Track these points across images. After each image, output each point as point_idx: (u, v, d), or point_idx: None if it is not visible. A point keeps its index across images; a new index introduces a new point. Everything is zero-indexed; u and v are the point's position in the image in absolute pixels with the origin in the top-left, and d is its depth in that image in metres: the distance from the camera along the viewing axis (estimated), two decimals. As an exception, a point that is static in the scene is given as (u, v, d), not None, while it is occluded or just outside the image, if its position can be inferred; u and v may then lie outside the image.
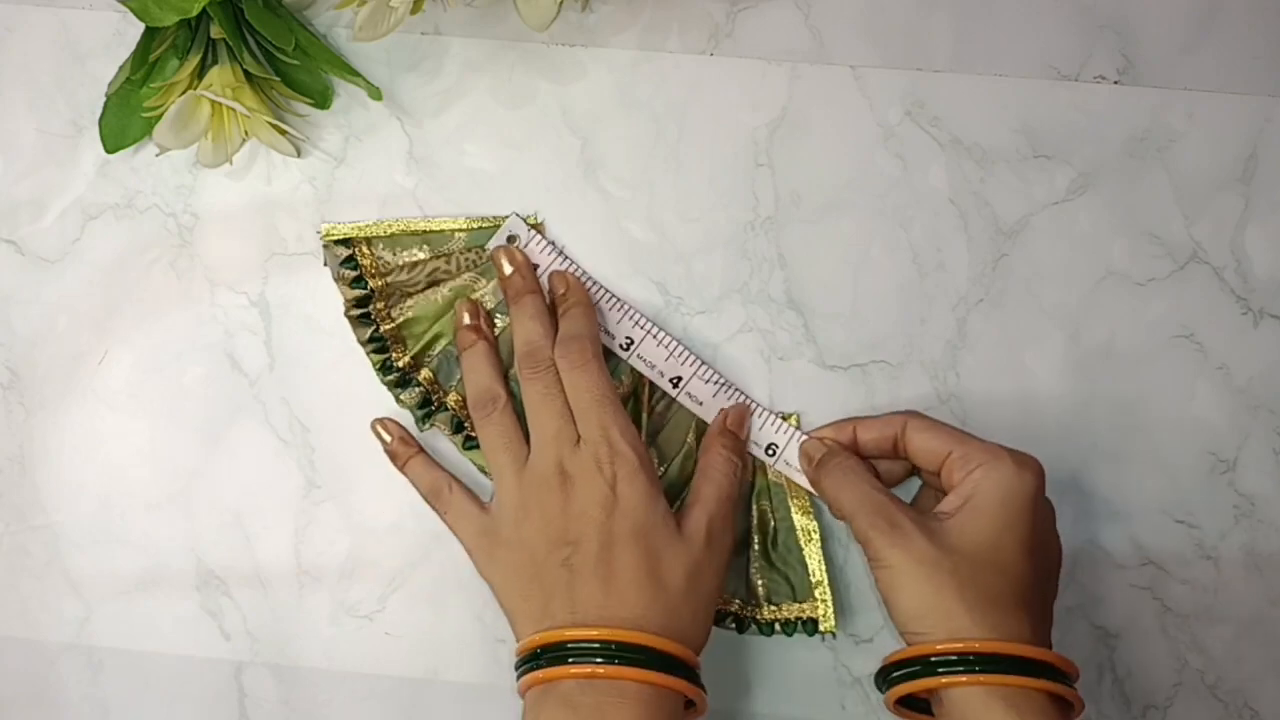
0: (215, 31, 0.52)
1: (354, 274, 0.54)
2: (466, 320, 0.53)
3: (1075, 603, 0.54)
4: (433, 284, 0.54)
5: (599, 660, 0.45)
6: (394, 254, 0.54)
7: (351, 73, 0.54)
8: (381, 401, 0.55)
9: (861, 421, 0.52)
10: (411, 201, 0.56)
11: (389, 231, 0.54)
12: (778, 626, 0.53)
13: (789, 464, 0.53)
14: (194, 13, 0.50)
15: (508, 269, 0.53)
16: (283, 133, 0.53)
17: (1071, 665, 0.46)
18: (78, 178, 0.56)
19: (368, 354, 0.55)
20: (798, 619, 0.53)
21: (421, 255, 0.54)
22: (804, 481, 0.52)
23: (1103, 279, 0.55)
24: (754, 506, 0.54)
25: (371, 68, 0.56)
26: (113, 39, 0.56)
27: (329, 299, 0.55)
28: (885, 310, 0.55)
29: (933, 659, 0.45)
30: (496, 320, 0.54)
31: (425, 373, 0.54)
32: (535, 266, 0.54)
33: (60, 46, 0.57)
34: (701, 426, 0.54)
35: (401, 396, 0.54)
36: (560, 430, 0.49)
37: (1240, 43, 0.55)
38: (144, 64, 0.53)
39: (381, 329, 0.54)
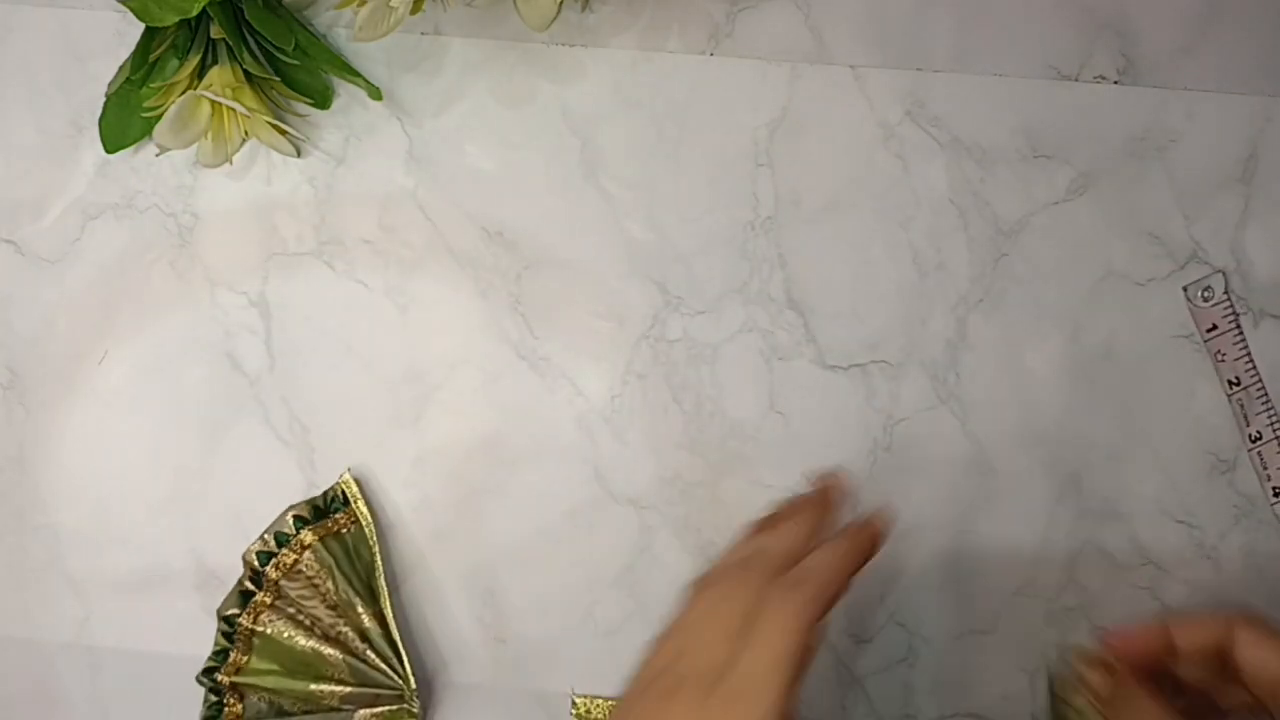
0: (215, 31, 0.52)
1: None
2: None
3: (1075, 603, 0.54)
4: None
5: None
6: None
7: (351, 73, 0.54)
8: (380, 402, 0.55)
9: (1177, 624, 0.41)
10: (411, 201, 0.56)
11: None
12: None
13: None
14: (194, 13, 0.50)
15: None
16: (283, 133, 0.53)
17: None
18: (78, 178, 0.56)
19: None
20: None
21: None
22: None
23: (1103, 279, 0.55)
24: None
25: (371, 68, 0.56)
26: (113, 39, 0.56)
27: (329, 299, 0.55)
28: (885, 310, 0.55)
29: None
30: None
31: None
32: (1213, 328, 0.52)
33: (60, 46, 0.57)
34: None
35: None
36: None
37: (1240, 43, 0.55)
38: (144, 64, 0.53)
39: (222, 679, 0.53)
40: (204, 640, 0.54)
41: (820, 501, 0.44)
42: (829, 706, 0.54)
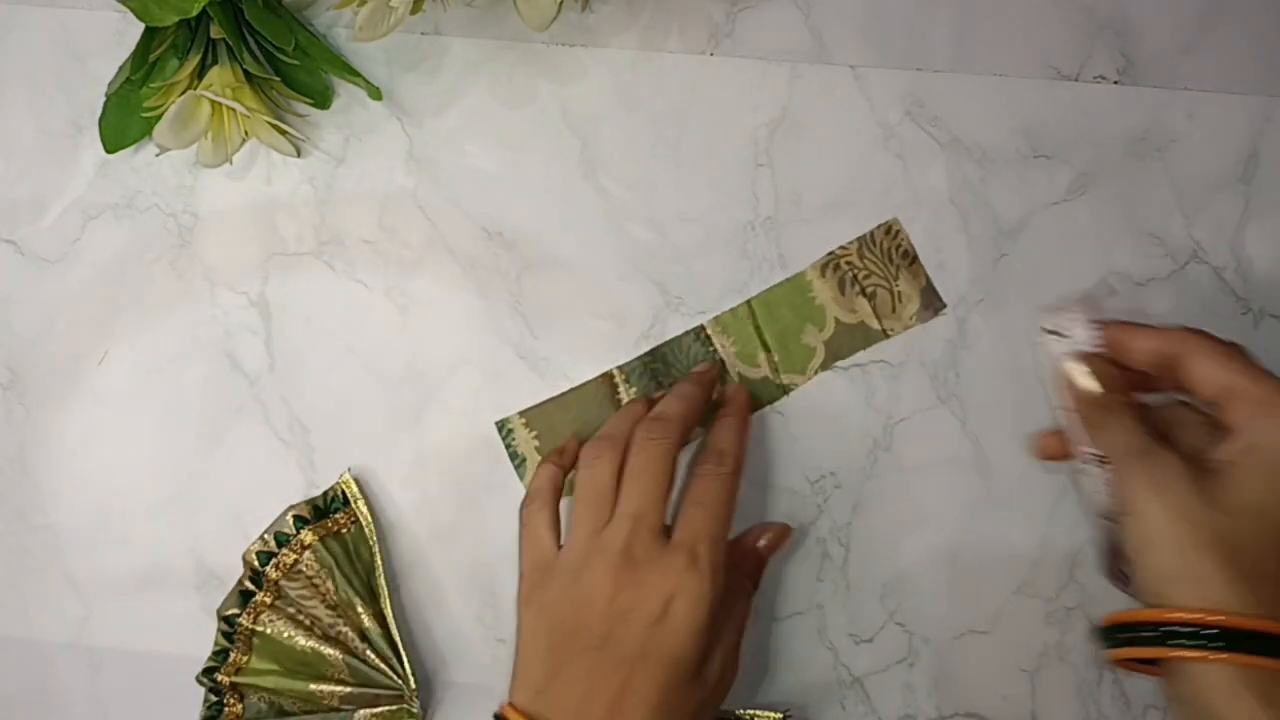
0: (215, 31, 0.52)
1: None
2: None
3: (1075, 603, 0.54)
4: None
5: None
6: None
7: (351, 73, 0.54)
8: (380, 402, 0.55)
9: (1139, 329, 0.47)
10: (411, 201, 0.56)
11: None
12: None
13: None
14: (194, 13, 0.50)
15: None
16: (283, 133, 0.53)
17: None
18: (78, 178, 0.56)
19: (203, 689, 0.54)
20: None
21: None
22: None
23: (1103, 279, 0.55)
24: None
25: (371, 68, 0.56)
26: (113, 39, 0.56)
27: (329, 299, 0.55)
28: (885, 310, 0.55)
29: (1165, 627, 0.40)
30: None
31: None
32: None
33: (60, 46, 0.57)
34: None
35: None
36: (648, 509, 0.46)
37: (1240, 43, 0.55)
38: (144, 64, 0.53)
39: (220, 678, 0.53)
40: (204, 640, 0.54)
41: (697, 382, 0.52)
42: (829, 706, 0.54)
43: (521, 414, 0.55)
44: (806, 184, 0.55)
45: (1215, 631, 0.38)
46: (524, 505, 0.50)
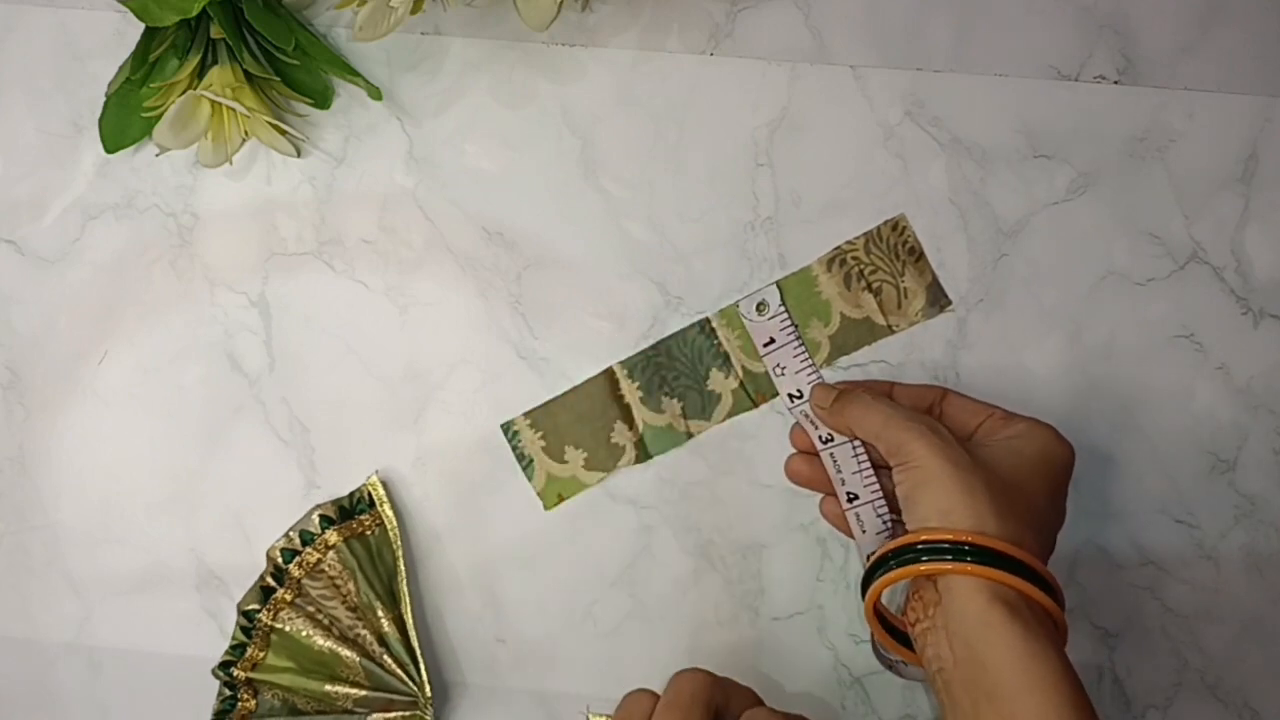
0: (215, 31, 0.52)
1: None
2: None
3: (1075, 603, 0.54)
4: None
5: None
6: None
7: (351, 73, 0.54)
8: (380, 402, 0.55)
9: (898, 385, 0.52)
10: (411, 201, 0.56)
11: None
12: None
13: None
14: (194, 13, 0.50)
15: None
16: (283, 133, 0.53)
17: (1063, 592, 0.45)
18: (78, 178, 0.56)
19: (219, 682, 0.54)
20: None
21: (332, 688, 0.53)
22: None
23: (1103, 279, 0.55)
24: None
25: (371, 68, 0.56)
26: (113, 39, 0.56)
27: (329, 299, 0.55)
28: (885, 310, 0.55)
29: (933, 544, 0.44)
30: None
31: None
32: (770, 341, 0.54)
33: (60, 46, 0.57)
34: None
35: None
36: None
37: (1240, 43, 0.55)
38: (144, 64, 0.53)
39: (236, 673, 0.53)
40: (204, 640, 0.54)
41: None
42: (829, 706, 0.54)
43: (526, 415, 0.55)
44: (806, 184, 0.55)
45: (967, 547, 0.43)
46: None
